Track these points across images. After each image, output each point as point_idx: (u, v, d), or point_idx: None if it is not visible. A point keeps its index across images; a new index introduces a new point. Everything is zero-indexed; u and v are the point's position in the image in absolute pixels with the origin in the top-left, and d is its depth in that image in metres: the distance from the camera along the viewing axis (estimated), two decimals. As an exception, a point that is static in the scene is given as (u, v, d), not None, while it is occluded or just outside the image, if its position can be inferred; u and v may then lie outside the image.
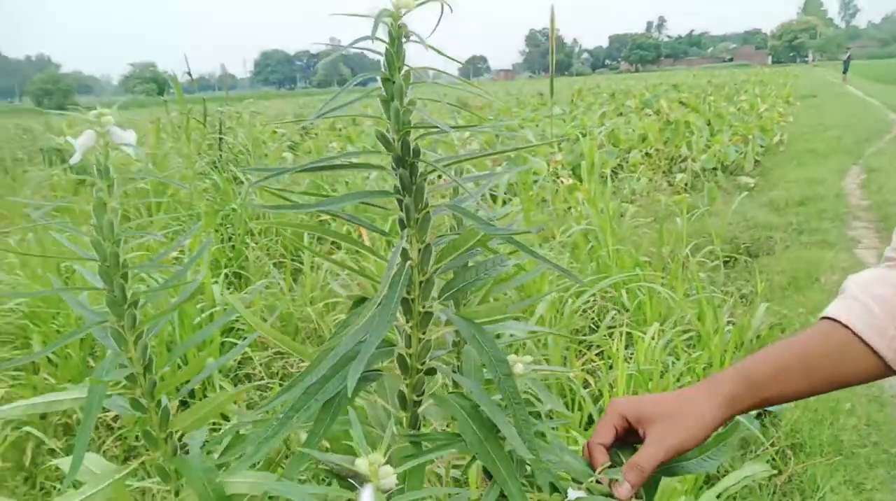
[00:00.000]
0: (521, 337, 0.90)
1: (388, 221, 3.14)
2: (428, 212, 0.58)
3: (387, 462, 0.44)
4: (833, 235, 4.67)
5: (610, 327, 2.66)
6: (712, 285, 3.32)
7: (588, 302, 2.88)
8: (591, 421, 2.08)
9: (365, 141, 7.28)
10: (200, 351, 2.54)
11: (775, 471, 2.02)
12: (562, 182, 4.88)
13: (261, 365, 2.64)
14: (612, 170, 6.11)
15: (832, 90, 22.05)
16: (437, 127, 0.54)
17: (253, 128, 7.08)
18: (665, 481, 1.71)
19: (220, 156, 5.14)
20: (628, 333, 2.45)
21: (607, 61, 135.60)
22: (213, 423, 2.08)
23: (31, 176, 7.17)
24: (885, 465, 2.10)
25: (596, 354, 2.52)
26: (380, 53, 0.58)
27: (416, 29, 0.58)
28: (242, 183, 4.53)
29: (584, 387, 2.24)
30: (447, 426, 0.73)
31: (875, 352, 0.67)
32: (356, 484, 0.45)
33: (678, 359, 2.37)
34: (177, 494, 0.71)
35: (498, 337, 0.87)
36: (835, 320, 0.69)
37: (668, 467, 0.66)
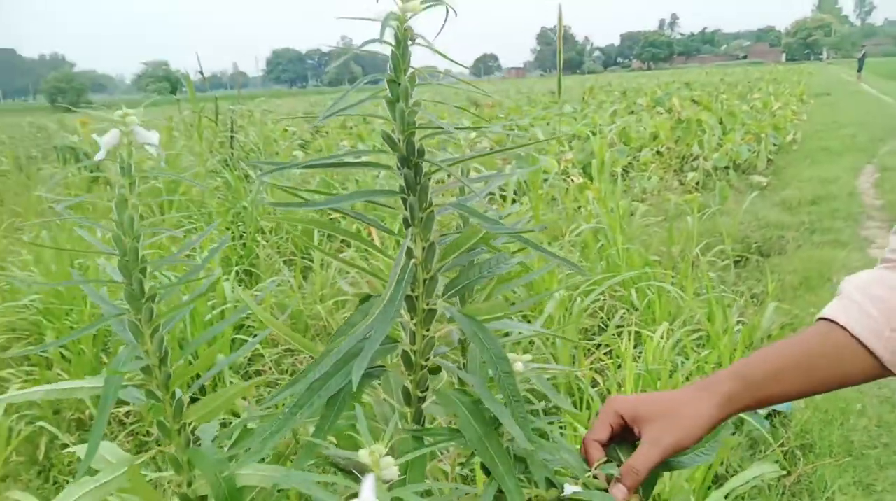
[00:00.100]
0: (528, 335, 0.90)
1: (397, 221, 3.16)
2: (432, 210, 0.59)
3: (388, 455, 0.45)
4: (846, 235, 4.63)
5: (619, 326, 2.66)
6: (723, 285, 3.30)
7: (597, 301, 2.88)
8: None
9: (376, 139, 7.30)
10: (211, 347, 2.57)
11: (784, 472, 2.02)
12: (572, 180, 4.88)
13: (271, 361, 2.66)
14: (623, 169, 6.09)
15: (846, 88, 21.83)
16: (440, 127, 0.55)
17: (264, 126, 7.12)
18: (674, 481, 1.71)
19: (232, 154, 5.18)
20: (637, 332, 2.45)
21: (619, 59, 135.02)
22: (223, 420, 2.10)
23: (46, 173, 7.26)
24: (895, 466, 2.09)
25: (604, 353, 2.52)
26: (388, 55, 0.59)
27: (427, 26, 0.59)
28: (253, 181, 4.56)
29: (593, 386, 2.24)
30: (450, 422, 0.74)
31: (871, 353, 0.67)
32: (360, 476, 0.46)
33: (687, 359, 2.37)
34: (189, 485, 0.73)
35: (507, 334, 0.88)
36: (832, 321, 0.70)
37: (663, 463, 0.66)
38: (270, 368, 2.64)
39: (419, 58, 0.60)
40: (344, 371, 0.54)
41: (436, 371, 0.67)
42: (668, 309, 2.80)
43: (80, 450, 0.78)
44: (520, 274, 0.78)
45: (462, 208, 0.60)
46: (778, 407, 2.32)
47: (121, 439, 2.30)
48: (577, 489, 0.61)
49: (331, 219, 3.57)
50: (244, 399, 2.14)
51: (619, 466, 0.65)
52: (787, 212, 5.28)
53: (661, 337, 2.29)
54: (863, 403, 2.40)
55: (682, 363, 2.36)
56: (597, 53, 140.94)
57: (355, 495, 0.44)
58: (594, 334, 2.78)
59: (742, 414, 2.14)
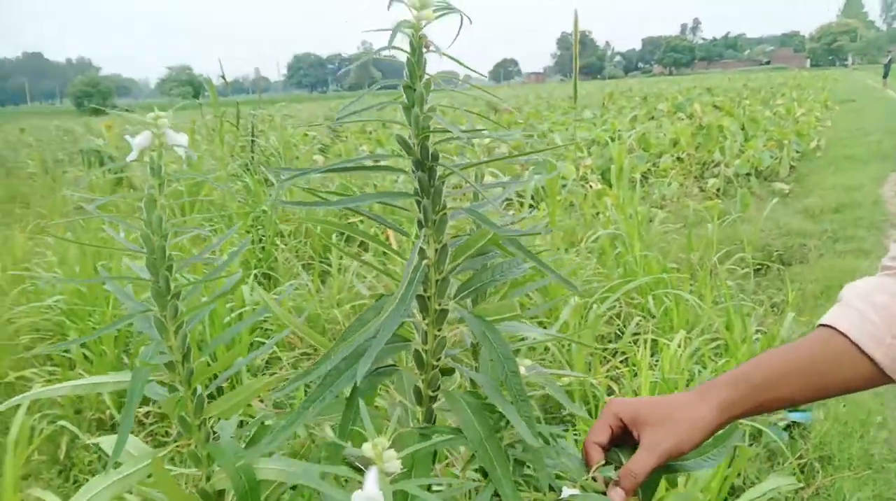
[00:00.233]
0: (541, 340, 0.91)
1: (414, 225, 3.17)
2: (445, 213, 0.61)
3: (392, 448, 0.47)
4: (869, 243, 4.56)
5: (635, 333, 2.64)
6: (742, 293, 3.27)
7: (613, 307, 2.87)
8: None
9: (394, 144, 7.33)
10: (230, 349, 2.60)
11: (802, 484, 1.99)
12: (591, 186, 4.86)
13: (288, 364, 2.69)
14: (643, 175, 6.06)
15: (872, 94, 21.50)
16: (452, 132, 0.56)
17: (284, 130, 7.19)
18: (689, 491, 1.70)
19: (252, 158, 5.24)
20: (654, 340, 2.44)
21: (640, 64, 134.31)
22: (240, 421, 2.13)
23: (71, 176, 7.40)
24: (917, 479, 2.05)
25: (620, 361, 2.51)
26: (402, 61, 0.60)
27: (447, 32, 0.60)
28: (273, 185, 4.61)
29: (609, 394, 2.23)
30: (461, 423, 0.75)
31: (871, 360, 0.67)
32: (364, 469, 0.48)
33: (704, 368, 2.35)
34: (208, 479, 0.75)
35: (522, 339, 0.89)
36: (832, 327, 0.70)
37: (665, 466, 0.66)
38: (288, 371, 2.67)
39: (438, 63, 0.62)
40: (354, 368, 0.55)
41: (449, 372, 0.68)
42: (685, 316, 2.78)
43: (104, 442, 0.80)
44: (533, 279, 0.78)
45: (471, 212, 0.61)
46: (797, 419, 2.29)
47: (141, 438, 2.33)
48: (575, 492, 0.62)
49: (349, 223, 3.61)
50: (261, 400, 2.16)
51: (618, 469, 0.66)
52: (809, 220, 5.21)
53: (679, 346, 2.27)
54: (883, 415, 2.36)
55: (700, 372, 2.34)
56: (618, 58, 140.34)
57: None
58: (610, 341, 2.76)
59: (760, 426, 2.12)
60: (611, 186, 4.77)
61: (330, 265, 3.53)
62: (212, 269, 0.83)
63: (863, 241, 4.62)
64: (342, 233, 4.08)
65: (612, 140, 6.35)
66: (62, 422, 2.25)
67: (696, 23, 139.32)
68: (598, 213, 4.28)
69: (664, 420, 0.66)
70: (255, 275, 3.50)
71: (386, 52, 0.58)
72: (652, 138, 7.67)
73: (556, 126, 8.93)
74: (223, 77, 5.87)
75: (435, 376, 0.64)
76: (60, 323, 2.91)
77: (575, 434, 1.91)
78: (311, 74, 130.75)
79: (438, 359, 0.64)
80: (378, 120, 0.68)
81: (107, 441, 0.82)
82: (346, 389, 0.56)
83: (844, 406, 2.38)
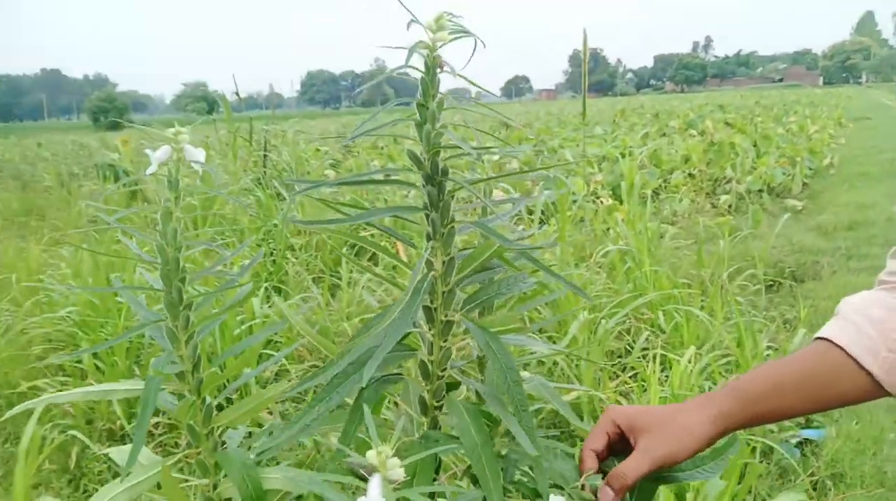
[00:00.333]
0: (548, 354, 0.91)
1: (424, 239, 3.19)
2: (453, 226, 0.62)
3: (395, 457, 0.48)
4: (882, 261, 4.43)
5: (644, 349, 2.63)
6: (754, 310, 3.25)
7: (623, 322, 2.86)
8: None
9: (406, 159, 7.38)
10: (238, 358, 2.62)
11: (814, 502, 1.97)
12: (601, 202, 4.87)
13: (297, 377, 2.70)
14: (654, 191, 6.05)
15: (887, 113, 21.40)
16: (462, 148, 0.57)
17: (296, 146, 7.26)
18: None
19: (265, 173, 5.30)
20: (663, 356, 2.43)
21: (652, 81, 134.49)
22: (248, 432, 2.14)
23: (86, 190, 7.50)
24: (932, 500, 2.02)
25: (630, 376, 2.50)
26: (419, 78, 0.61)
27: (460, 50, 0.62)
28: (285, 199, 4.65)
29: (618, 409, 2.22)
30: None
31: (868, 373, 0.68)
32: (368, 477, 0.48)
33: (715, 385, 2.33)
34: (215, 488, 0.76)
35: (532, 353, 0.89)
36: (829, 340, 0.70)
37: (660, 476, 0.67)
38: (296, 383, 2.67)
39: (450, 80, 0.63)
40: (359, 373, 0.56)
41: (455, 385, 0.69)
42: (696, 333, 2.76)
43: (115, 453, 0.81)
44: (541, 293, 0.79)
45: (478, 225, 0.62)
46: (809, 436, 2.27)
47: (151, 449, 2.34)
48: (562, 499, 0.62)
49: (360, 236, 3.63)
50: (269, 412, 2.17)
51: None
52: (822, 237, 5.18)
53: (689, 362, 2.26)
54: (897, 434, 2.33)
55: (710, 388, 2.33)
56: (629, 75, 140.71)
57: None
58: (619, 356, 2.75)
59: (772, 443, 2.10)
60: (621, 202, 4.77)
61: (340, 278, 3.54)
62: (224, 282, 0.84)
63: (876, 259, 4.58)
64: (353, 246, 4.11)
65: (623, 156, 6.36)
66: (73, 432, 2.26)
67: (709, 40, 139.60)
68: (608, 229, 4.28)
69: (660, 428, 0.66)
70: (266, 288, 3.52)
71: (400, 71, 0.60)
72: (663, 155, 7.67)
73: (566, 142, 8.95)
74: (237, 93, 5.95)
75: (440, 387, 0.65)
76: (73, 334, 2.94)
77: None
78: (323, 91, 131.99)
79: (444, 370, 0.65)
80: (390, 135, 0.69)
81: (117, 452, 0.83)
82: (351, 396, 0.57)
83: (857, 423, 2.35)
